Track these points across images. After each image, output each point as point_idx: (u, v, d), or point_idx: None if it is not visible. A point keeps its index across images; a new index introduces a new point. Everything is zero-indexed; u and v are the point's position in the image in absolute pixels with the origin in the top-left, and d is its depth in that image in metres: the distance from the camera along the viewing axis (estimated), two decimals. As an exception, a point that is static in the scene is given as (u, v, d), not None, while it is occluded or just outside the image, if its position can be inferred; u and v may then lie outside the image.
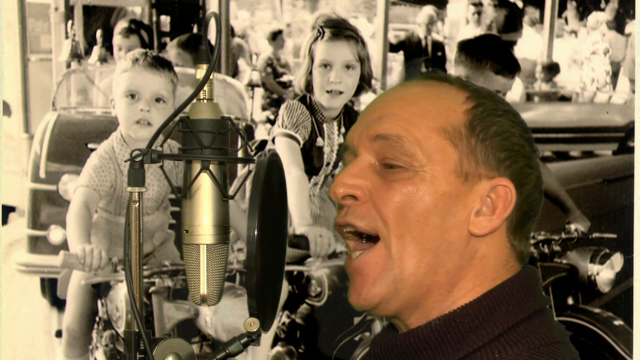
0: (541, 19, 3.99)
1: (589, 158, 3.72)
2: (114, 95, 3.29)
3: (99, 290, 3.35)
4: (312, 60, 3.35)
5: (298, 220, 3.22)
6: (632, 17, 3.54)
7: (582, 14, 3.82)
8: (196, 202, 1.32)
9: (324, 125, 3.38)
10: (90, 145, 3.47)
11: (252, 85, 4.01)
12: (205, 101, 1.33)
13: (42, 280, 3.69)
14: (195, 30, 3.94)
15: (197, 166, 1.31)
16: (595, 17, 3.76)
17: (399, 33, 4.15)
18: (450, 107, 1.34)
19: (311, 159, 3.37)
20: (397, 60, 4.06)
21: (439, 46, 4.14)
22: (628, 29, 3.71)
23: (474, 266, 1.33)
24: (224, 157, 1.32)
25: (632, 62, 3.64)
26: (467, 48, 3.41)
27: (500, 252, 1.35)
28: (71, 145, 3.63)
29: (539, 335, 1.31)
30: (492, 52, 3.38)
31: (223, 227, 1.33)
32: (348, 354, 3.31)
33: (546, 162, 3.59)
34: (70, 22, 3.80)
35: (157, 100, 3.25)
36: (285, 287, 3.34)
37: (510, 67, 3.38)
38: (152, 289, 3.26)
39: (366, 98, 3.45)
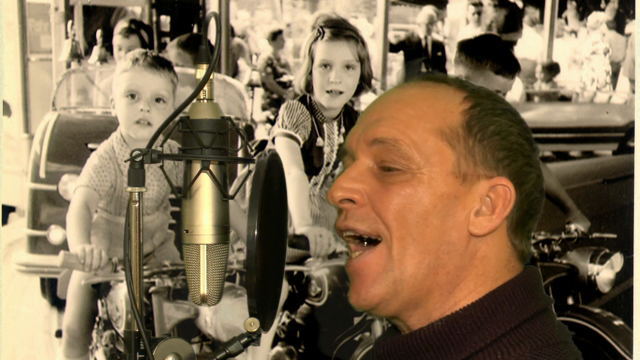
0: (541, 19, 3.99)
1: (589, 158, 3.72)
2: (114, 95, 3.29)
3: (99, 290, 3.35)
4: (312, 60, 3.35)
5: (298, 220, 3.22)
6: (632, 17, 3.54)
7: (582, 14, 3.82)
8: (196, 202, 1.32)
9: (324, 125, 3.38)
10: (90, 145, 3.47)
11: (252, 85, 4.01)
12: (205, 101, 1.33)
13: (42, 280, 3.69)
14: (195, 30, 3.94)
15: (197, 166, 1.31)
16: (595, 17, 3.76)
17: (399, 33, 4.15)
18: (448, 108, 1.34)
19: (311, 159, 3.37)
20: (397, 60, 4.06)
21: (439, 46, 4.14)
22: (628, 29, 3.71)
23: (474, 266, 1.33)
24: (224, 157, 1.32)
25: (632, 62, 3.64)
26: (467, 48, 3.41)
27: (501, 252, 1.34)
28: (71, 145, 3.63)
29: (541, 336, 1.31)
30: (492, 52, 3.38)
31: (223, 227, 1.33)
32: (348, 354, 3.31)
33: (546, 162, 3.59)
34: (70, 22, 3.80)
35: (157, 100, 3.25)
36: (285, 287, 3.34)
37: (510, 67, 3.38)
38: (152, 289, 3.26)
39: (366, 98, 3.45)
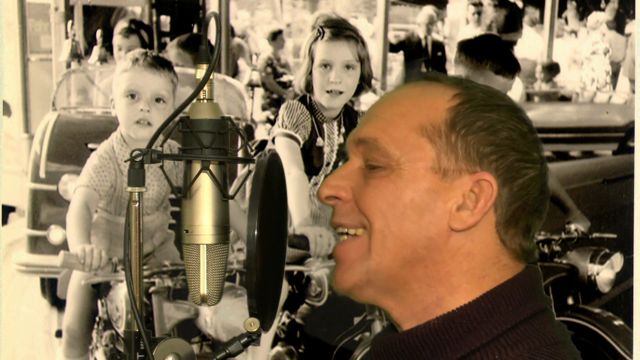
0: (541, 19, 3.99)
1: (589, 158, 3.72)
2: (114, 95, 3.29)
3: (99, 290, 3.35)
4: (312, 60, 3.35)
5: (298, 220, 3.22)
6: (632, 17, 3.54)
7: (582, 14, 3.83)
8: (196, 202, 1.32)
9: (324, 125, 3.38)
10: (90, 145, 3.47)
11: (252, 85, 4.02)
12: (205, 101, 1.33)
13: (42, 280, 3.69)
14: (195, 30, 3.94)
15: (197, 166, 1.31)
16: (595, 17, 3.77)
17: (399, 33, 4.15)
18: (434, 105, 1.35)
19: (311, 159, 3.37)
20: (397, 60, 4.06)
21: (439, 46, 4.14)
22: (628, 29, 3.71)
23: (458, 262, 1.33)
24: (224, 157, 1.32)
25: (632, 62, 3.64)
26: (467, 48, 3.41)
27: (487, 249, 1.34)
28: (71, 145, 3.63)
29: (539, 336, 1.31)
30: (492, 52, 3.38)
31: (223, 227, 1.33)
32: (348, 354, 3.31)
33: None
34: (70, 22, 3.80)
35: (157, 100, 3.25)
36: (285, 287, 3.34)
37: (510, 67, 3.38)
38: (152, 289, 3.26)
39: (366, 98, 3.45)
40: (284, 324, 3.38)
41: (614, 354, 3.19)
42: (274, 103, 4.03)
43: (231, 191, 1.33)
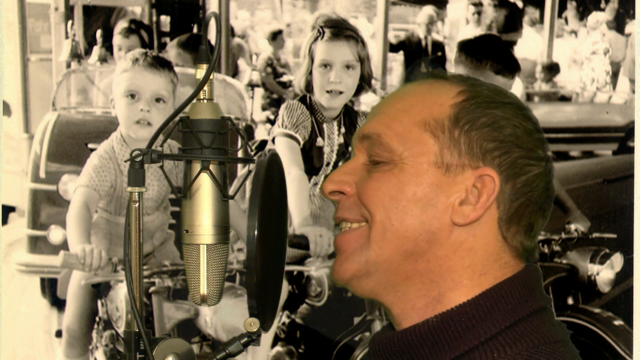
0: (541, 19, 3.99)
1: (589, 158, 3.72)
2: (114, 95, 3.29)
3: (99, 290, 3.35)
4: (312, 60, 3.35)
5: (298, 220, 3.22)
6: (632, 17, 3.54)
7: (582, 14, 3.83)
8: (196, 202, 1.32)
9: (324, 125, 3.38)
10: (90, 145, 3.47)
11: (252, 85, 4.02)
12: (205, 101, 1.33)
13: (42, 280, 3.69)
14: (195, 30, 3.94)
15: (197, 166, 1.32)
16: (595, 17, 3.76)
17: (399, 33, 4.15)
18: (438, 101, 1.36)
19: (311, 159, 3.37)
20: (397, 60, 4.06)
21: (439, 46, 4.14)
22: (628, 29, 3.71)
23: (460, 258, 1.34)
24: (224, 157, 1.32)
25: (632, 62, 3.64)
26: (467, 48, 3.41)
27: (489, 245, 1.35)
28: (71, 145, 3.63)
29: (538, 335, 1.32)
30: (492, 52, 3.38)
31: (223, 227, 1.33)
32: (348, 354, 3.31)
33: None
34: (70, 22, 3.80)
35: (157, 100, 3.25)
36: (285, 287, 3.34)
37: (510, 67, 3.38)
38: (152, 289, 3.27)
39: (366, 98, 3.45)
40: (284, 324, 3.38)
41: (614, 354, 3.19)
42: (274, 103, 4.03)
43: (231, 191, 1.33)
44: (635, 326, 3.18)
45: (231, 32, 4.06)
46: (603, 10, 3.73)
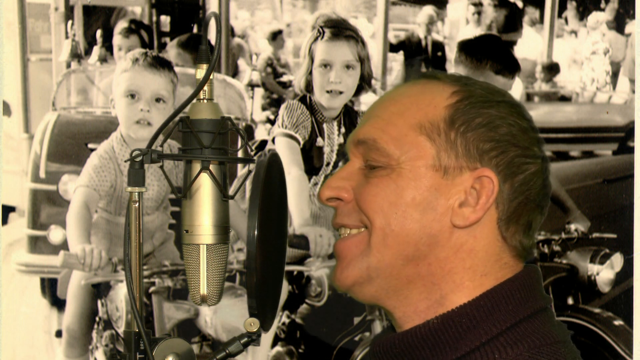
0: (541, 19, 3.99)
1: (589, 158, 3.72)
2: (114, 95, 3.29)
3: (99, 290, 3.35)
4: (312, 60, 3.35)
5: (298, 220, 3.22)
6: (632, 17, 3.54)
7: (582, 14, 3.83)
8: (196, 202, 1.32)
9: (324, 125, 3.38)
10: (90, 145, 3.48)
11: (252, 85, 4.02)
12: (205, 101, 1.33)
13: (42, 280, 3.69)
14: (195, 30, 3.94)
15: (197, 166, 1.31)
16: (595, 17, 3.77)
17: (399, 33, 4.15)
18: (432, 103, 1.36)
19: (311, 159, 3.37)
20: (397, 60, 4.06)
21: (439, 46, 4.14)
22: (628, 29, 3.71)
23: (461, 259, 1.33)
24: (224, 157, 1.32)
25: (632, 62, 3.64)
26: (467, 48, 3.41)
27: (490, 246, 1.34)
28: (71, 145, 3.63)
29: (539, 335, 1.31)
30: (492, 52, 3.38)
31: (223, 227, 1.33)
32: (348, 354, 3.31)
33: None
34: (70, 22, 3.80)
35: (157, 100, 3.25)
36: (285, 287, 3.34)
37: (510, 67, 3.38)
38: (152, 289, 3.27)
39: (366, 98, 3.45)
40: (284, 324, 3.38)
41: (614, 354, 3.19)
42: (274, 103, 4.03)
43: (231, 191, 1.33)
44: (635, 326, 3.18)
45: (231, 32, 4.06)
46: (603, 10, 3.73)
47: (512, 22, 3.97)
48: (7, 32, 3.70)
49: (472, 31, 3.95)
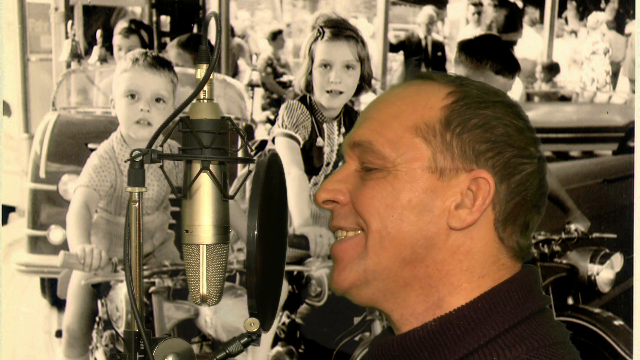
0: (541, 19, 3.99)
1: (589, 158, 3.72)
2: (114, 95, 3.29)
3: (99, 290, 3.35)
4: (312, 60, 3.35)
5: (298, 220, 3.22)
6: (632, 17, 3.54)
7: (582, 14, 3.83)
8: (196, 202, 1.32)
9: (324, 125, 3.38)
10: (90, 145, 3.48)
11: (252, 85, 4.02)
12: (205, 101, 1.33)
13: (42, 280, 3.69)
14: (195, 30, 3.94)
15: (197, 166, 1.31)
16: (595, 17, 3.77)
17: (399, 33, 4.16)
18: (428, 105, 1.35)
19: (311, 159, 3.37)
20: (397, 60, 4.06)
21: (439, 46, 4.14)
22: (628, 29, 3.71)
23: (458, 261, 1.33)
24: (224, 157, 1.32)
25: (632, 62, 3.64)
26: (467, 48, 3.41)
27: (487, 247, 1.34)
28: (71, 145, 3.63)
29: (537, 337, 1.31)
30: (492, 52, 3.38)
31: (223, 227, 1.33)
32: (348, 354, 3.31)
33: (546, 162, 3.59)
34: (70, 22, 3.80)
35: (157, 100, 3.25)
36: (285, 287, 3.34)
37: (510, 67, 3.38)
38: (152, 289, 3.27)
39: (366, 98, 3.45)
40: (284, 324, 3.38)
41: (614, 354, 3.19)
42: (274, 103, 4.04)
43: (231, 191, 1.33)
44: (635, 326, 3.18)
45: (231, 32, 4.06)
46: (603, 10, 3.73)
47: (512, 22, 3.97)
48: (7, 32, 3.70)
49: (472, 31, 3.95)
